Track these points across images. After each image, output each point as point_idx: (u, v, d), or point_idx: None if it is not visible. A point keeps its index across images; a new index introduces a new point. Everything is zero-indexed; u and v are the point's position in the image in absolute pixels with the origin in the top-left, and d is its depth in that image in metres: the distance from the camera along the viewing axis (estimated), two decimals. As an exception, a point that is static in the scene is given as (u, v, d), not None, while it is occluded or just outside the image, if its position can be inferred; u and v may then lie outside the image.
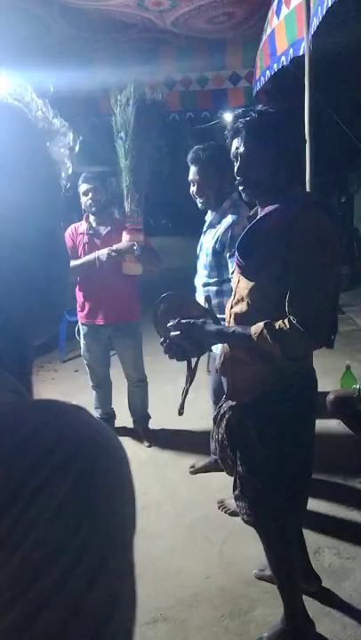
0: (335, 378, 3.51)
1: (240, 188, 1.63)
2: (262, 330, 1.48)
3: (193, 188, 2.40)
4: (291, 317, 1.46)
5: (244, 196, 1.65)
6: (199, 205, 2.43)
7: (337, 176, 8.24)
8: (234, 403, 1.67)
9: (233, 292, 1.70)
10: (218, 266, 2.38)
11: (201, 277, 2.51)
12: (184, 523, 2.57)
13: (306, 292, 1.46)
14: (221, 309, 2.36)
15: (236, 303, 1.65)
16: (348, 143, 6.97)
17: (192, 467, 2.97)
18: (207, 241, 2.42)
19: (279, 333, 1.45)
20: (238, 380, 1.66)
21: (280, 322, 1.47)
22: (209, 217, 2.50)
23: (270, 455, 1.60)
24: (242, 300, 1.62)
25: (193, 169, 2.37)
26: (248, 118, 1.53)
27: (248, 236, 1.60)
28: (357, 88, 7.16)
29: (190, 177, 2.39)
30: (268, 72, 4.20)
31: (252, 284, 1.58)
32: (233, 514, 2.62)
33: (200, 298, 2.51)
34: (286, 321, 1.46)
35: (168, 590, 2.15)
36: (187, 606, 2.06)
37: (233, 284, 1.71)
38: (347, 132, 6.47)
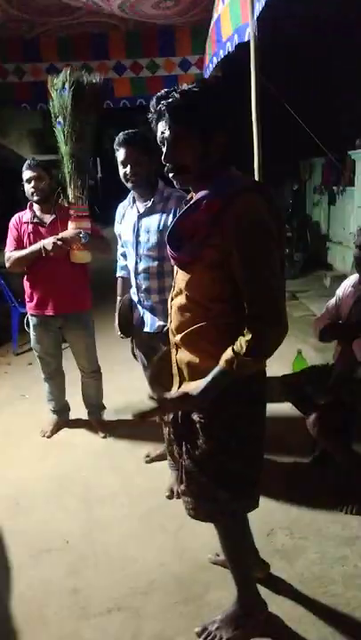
0: (287, 362, 3.56)
1: (170, 175, 1.52)
2: (233, 360, 1.42)
3: (125, 170, 2.35)
4: (250, 323, 1.41)
5: (175, 183, 1.55)
6: (130, 186, 2.38)
7: (288, 164, 8.33)
8: None
9: (173, 284, 1.65)
10: None
11: (145, 262, 2.43)
12: (139, 512, 2.56)
13: (259, 285, 1.41)
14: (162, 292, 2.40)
15: (176, 295, 1.61)
16: (299, 131, 7.05)
17: (147, 456, 2.97)
18: (153, 221, 2.37)
19: (251, 349, 1.40)
20: (187, 374, 1.62)
21: (240, 341, 1.41)
22: (138, 201, 2.46)
23: (216, 449, 1.57)
24: (180, 292, 1.57)
25: (122, 150, 2.33)
26: (170, 100, 1.42)
27: (177, 224, 1.53)
28: (306, 74, 7.23)
29: (120, 158, 2.34)
30: (215, 59, 4.20)
31: (188, 275, 1.52)
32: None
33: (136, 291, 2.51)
34: (245, 339, 1.40)
35: (122, 580, 2.15)
36: (141, 594, 2.06)
37: (173, 275, 1.66)
38: (297, 120, 6.53)
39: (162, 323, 2.45)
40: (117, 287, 2.75)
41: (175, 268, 1.63)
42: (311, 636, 1.83)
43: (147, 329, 2.55)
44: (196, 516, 1.72)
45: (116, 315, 2.71)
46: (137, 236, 2.44)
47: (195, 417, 1.59)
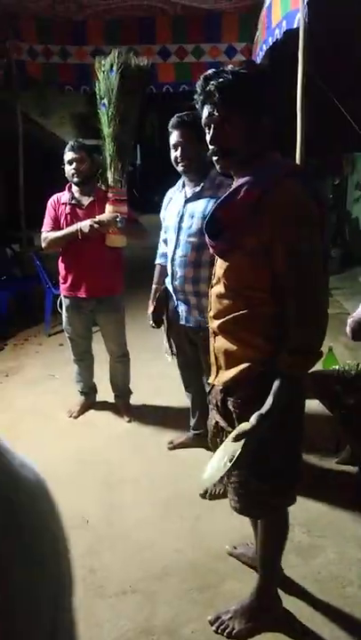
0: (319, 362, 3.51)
1: (214, 158, 1.50)
2: (287, 362, 1.42)
3: (176, 153, 2.33)
4: (291, 321, 1.41)
5: (218, 167, 1.53)
6: (180, 170, 2.36)
7: (331, 158, 8.14)
8: (221, 386, 1.63)
9: (213, 272, 1.64)
10: None
11: (183, 249, 2.39)
12: (159, 498, 2.58)
13: (300, 280, 1.39)
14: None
15: (216, 284, 1.60)
16: (345, 124, 6.88)
17: (170, 442, 2.98)
18: (199, 206, 2.34)
19: (297, 349, 1.40)
20: (223, 362, 1.61)
21: (293, 341, 1.41)
22: (188, 186, 2.42)
23: (260, 445, 1.52)
24: (219, 280, 1.56)
25: (176, 133, 2.32)
26: (221, 79, 1.38)
27: (216, 212, 1.50)
28: (356, 65, 7.03)
29: (173, 141, 2.32)
30: (264, 46, 4.12)
31: (226, 264, 1.51)
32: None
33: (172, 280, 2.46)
34: (290, 337, 1.40)
35: (139, 563, 2.17)
36: (156, 579, 2.08)
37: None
38: (343, 113, 6.37)
39: (198, 317, 2.43)
40: (155, 275, 2.74)
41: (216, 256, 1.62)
42: (325, 636, 1.82)
43: (182, 322, 2.54)
44: (240, 510, 1.72)
45: (150, 302, 2.71)
46: (180, 220, 2.41)
47: (231, 400, 1.59)
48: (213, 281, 1.63)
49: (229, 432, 1.55)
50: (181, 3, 4.56)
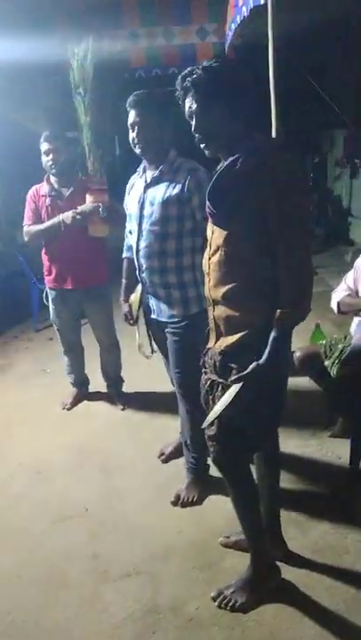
0: (304, 338, 3.55)
1: (201, 145, 1.63)
2: (280, 316, 1.53)
3: (132, 134, 2.22)
4: (283, 274, 1.52)
5: (207, 153, 1.65)
6: (138, 152, 2.25)
7: (309, 136, 8.13)
8: (221, 348, 1.70)
9: (208, 244, 1.72)
10: (180, 216, 2.19)
11: (147, 238, 2.27)
12: (157, 481, 2.62)
13: (292, 239, 1.52)
14: (181, 273, 2.27)
15: (213, 253, 1.67)
16: (321, 102, 6.87)
17: (162, 454, 2.83)
18: (158, 192, 2.23)
19: (289, 299, 1.52)
20: (224, 328, 1.70)
21: (280, 298, 1.52)
22: (148, 170, 2.31)
23: (251, 395, 1.63)
24: (218, 249, 1.64)
25: (132, 112, 2.20)
26: (195, 76, 1.54)
27: (216, 184, 1.60)
28: (330, 41, 7.00)
29: (130, 120, 2.20)
30: (233, 25, 4.07)
31: (226, 232, 1.61)
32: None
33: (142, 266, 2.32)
34: (282, 292, 1.52)
35: (140, 545, 2.21)
36: (159, 560, 2.12)
37: (208, 234, 1.73)
38: (317, 90, 6.36)
39: (168, 310, 2.33)
40: (123, 270, 2.59)
41: (210, 227, 1.70)
42: (324, 603, 1.87)
43: (153, 315, 2.42)
44: (219, 458, 1.80)
45: (121, 300, 2.62)
46: (141, 208, 2.27)
47: (233, 366, 1.65)
48: (210, 252, 1.70)
49: (225, 385, 1.66)
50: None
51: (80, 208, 2.91)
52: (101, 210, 2.88)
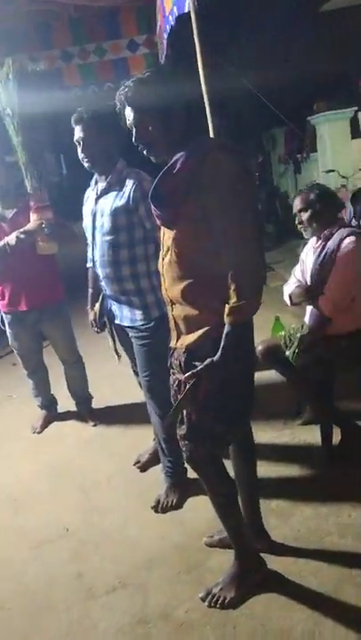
0: (266, 333, 3.59)
1: (145, 152, 1.69)
2: (231, 311, 1.54)
3: (79, 149, 2.28)
4: (231, 269, 1.52)
5: (153, 158, 1.71)
6: (86, 166, 2.31)
7: (251, 137, 8.30)
8: (183, 348, 1.71)
9: (161, 245, 1.74)
10: (129, 226, 2.25)
11: (101, 248, 2.32)
12: (136, 492, 2.59)
13: (234, 233, 1.53)
14: (137, 280, 2.30)
15: (165, 254, 1.70)
16: (257, 102, 7.02)
17: (137, 462, 2.82)
18: (107, 203, 2.29)
19: (239, 294, 1.52)
20: (184, 327, 1.72)
21: (229, 293, 1.53)
22: (99, 182, 2.37)
23: (216, 389, 1.64)
24: (168, 250, 1.66)
25: (77, 128, 2.26)
26: (127, 89, 1.63)
27: (158, 185, 1.63)
28: (257, 41, 7.18)
29: (75, 137, 2.27)
30: (165, 34, 4.14)
31: (173, 232, 1.63)
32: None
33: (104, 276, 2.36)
34: (231, 287, 1.52)
35: (125, 558, 2.18)
36: (144, 569, 2.10)
37: (160, 236, 1.75)
38: (253, 92, 6.50)
39: (130, 315, 2.36)
40: (88, 279, 2.63)
41: (161, 229, 1.72)
42: (313, 587, 1.88)
43: (116, 321, 2.46)
44: (193, 457, 1.80)
45: (88, 308, 2.64)
46: (94, 219, 2.34)
47: (197, 364, 1.65)
48: (163, 252, 1.72)
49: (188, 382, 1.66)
50: (74, 3, 4.53)
51: (24, 228, 2.89)
52: (45, 227, 2.86)
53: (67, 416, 3.49)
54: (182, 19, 3.19)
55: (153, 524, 2.34)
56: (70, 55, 5.13)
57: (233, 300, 1.53)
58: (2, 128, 2.84)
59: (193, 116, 1.72)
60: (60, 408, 3.52)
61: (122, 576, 2.08)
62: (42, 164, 2.83)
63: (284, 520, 2.21)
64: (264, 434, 2.78)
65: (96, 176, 2.40)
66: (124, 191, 2.25)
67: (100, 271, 2.37)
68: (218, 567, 2.02)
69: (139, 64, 5.18)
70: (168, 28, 3.75)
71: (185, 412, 1.72)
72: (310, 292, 2.52)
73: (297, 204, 2.54)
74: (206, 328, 1.65)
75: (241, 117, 7.88)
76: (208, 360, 1.58)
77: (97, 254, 2.35)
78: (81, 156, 2.29)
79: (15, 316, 3.15)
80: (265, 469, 2.51)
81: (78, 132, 2.26)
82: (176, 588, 1.98)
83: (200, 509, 2.34)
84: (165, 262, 1.70)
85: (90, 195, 2.44)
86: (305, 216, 2.51)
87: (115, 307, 2.44)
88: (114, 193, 2.28)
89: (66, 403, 3.50)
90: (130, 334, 2.42)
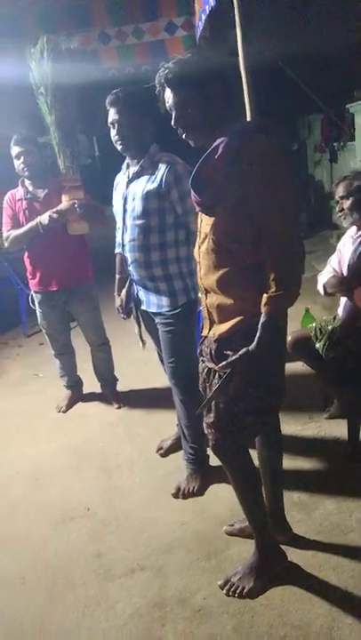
0: (296, 324, 3.54)
1: (183, 135, 1.65)
2: (269, 301, 1.51)
3: (113, 132, 2.25)
4: (271, 259, 1.50)
5: (192, 142, 1.67)
6: (119, 149, 2.28)
7: (287, 123, 8.14)
8: (215, 337, 1.69)
9: (198, 232, 1.72)
10: (160, 210, 2.22)
11: (131, 233, 2.30)
12: (157, 476, 2.59)
13: (275, 222, 1.50)
14: (166, 265, 2.29)
15: (202, 241, 1.67)
16: (296, 88, 6.87)
17: (160, 448, 2.81)
18: (139, 187, 2.26)
19: (279, 284, 1.49)
20: (217, 316, 1.69)
21: (269, 282, 1.50)
22: (131, 166, 2.33)
23: (247, 381, 1.63)
24: (206, 237, 1.64)
25: (111, 110, 2.23)
26: (168, 70, 1.59)
27: (199, 170, 1.59)
28: (302, 30, 7.00)
29: (110, 119, 2.24)
30: (203, 16, 4.07)
31: (212, 219, 1.60)
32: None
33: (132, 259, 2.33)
34: (271, 277, 1.49)
35: (144, 541, 2.18)
36: (163, 554, 2.10)
37: (198, 223, 1.73)
38: (293, 78, 6.37)
39: (157, 302, 2.34)
40: (116, 264, 2.61)
41: (199, 215, 1.69)
42: (332, 582, 1.86)
43: (143, 307, 2.43)
44: (218, 446, 1.78)
45: (115, 294, 2.62)
46: (125, 203, 2.31)
47: (228, 353, 1.64)
48: (199, 240, 1.70)
49: (220, 372, 1.65)
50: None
51: (56, 208, 2.88)
52: (77, 206, 2.85)
53: (92, 397, 3.51)
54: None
55: (173, 510, 2.34)
56: (108, 36, 5.10)
57: (272, 289, 1.50)
58: (35, 108, 2.84)
59: (233, 98, 1.68)
60: (86, 389, 3.54)
61: (140, 559, 2.09)
62: (75, 143, 2.82)
63: (307, 513, 2.18)
64: (289, 426, 2.75)
65: (128, 159, 2.37)
66: (157, 175, 2.22)
67: (128, 256, 2.35)
68: (237, 556, 2.01)
69: (177, 46, 5.11)
70: (208, 8, 3.68)
71: (215, 403, 1.71)
72: (346, 284, 2.46)
73: (339, 190, 2.47)
74: (240, 318, 1.63)
75: (277, 102, 7.73)
76: (243, 350, 1.56)
77: (126, 238, 2.33)
78: (114, 138, 2.26)
79: (45, 296, 3.16)
80: (289, 462, 2.47)
81: (113, 115, 2.23)
82: (195, 574, 1.98)
83: (221, 497, 2.33)
84: (202, 250, 1.68)
85: (121, 179, 2.42)
86: (346, 204, 2.44)
87: (141, 292, 2.42)
88: (146, 177, 2.25)
89: (91, 384, 3.52)
90: (156, 320, 2.41)
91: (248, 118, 2.92)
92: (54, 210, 2.87)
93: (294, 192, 1.58)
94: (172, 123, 1.64)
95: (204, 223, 1.65)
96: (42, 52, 2.64)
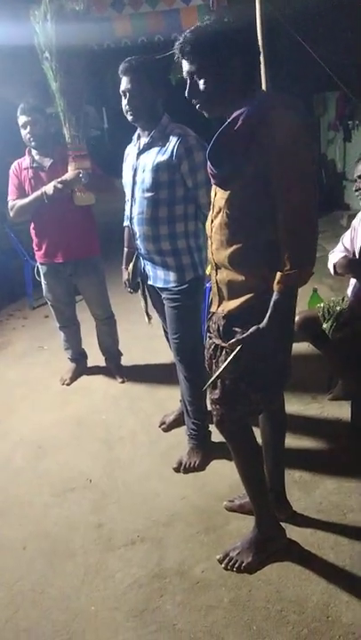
0: (303, 305, 3.52)
1: (198, 106, 1.59)
2: (282, 278, 1.49)
3: (124, 101, 2.18)
4: (286, 236, 1.47)
5: (206, 114, 1.61)
6: (130, 119, 2.21)
7: (301, 99, 7.96)
8: (224, 314, 1.68)
9: (211, 206, 1.68)
10: (170, 183, 2.17)
11: (139, 205, 2.26)
12: (159, 450, 2.61)
13: (294, 200, 1.46)
14: (174, 240, 2.26)
15: (216, 216, 1.64)
16: (312, 63, 6.69)
17: (163, 423, 2.82)
18: (149, 159, 2.20)
19: (293, 262, 1.48)
20: (226, 292, 1.68)
21: (282, 260, 1.49)
22: (142, 137, 2.27)
23: (255, 358, 1.62)
24: (220, 211, 1.61)
25: (124, 79, 2.16)
26: (185, 39, 1.54)
27: (217, 142, 1.55)
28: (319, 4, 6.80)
29: (122, 87, 2.16)
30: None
31: (227, 193, 1.56)
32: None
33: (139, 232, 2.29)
34: (285, 255, 1.48)
35: (145, 513, 2.21)
36: (163, 526, 2.12)
37: (211, 196, 1.69)
38: (310, 53, 6.19)
39: (164, 276, 2.31)
40: (124, 238, 2.56)
41: (213, 188, 1.65)
42: (330, 560, 1.88)
43: (150, 282, 2.41)
44: (223, 422, 1.78)
45: (123, 268, 2.59)
46: (134, 175, 2.26)
47: (236, 330, 1.63)
48: (213, 214, 1.66)
49: (228, 349, 1.64)
50: None
51: (61, 177, 2.83)
52: (82, 176, 2.80)
53: (96, 371, 3.51)
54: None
55: (174, 484, 2.36)
56: (122, 4, 4.95)
57: (286, 267, 1.48)
58: (43, 77, 2.76)
59: (253, 70, 1.63)
60: (90, 363, 3.55)
61: (141, 530, 2.12)
62: (81, 111, 2.74)
63: (307, 492, 2.20)
64: (292, 405, 2.74)
65: (139, 131, 2.30)
66: (168, 147, 2.16)
67: (136, 229, 2.31)
68: (237, 531, 2.03)
69: (192, 16, 4.96)
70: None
71: (221, 379, 1.70)
72: (358, 265, 2.42)
73: (359, 169, 2.41)
74: (250, 295, 1.61)
75: (292, 78, 7.55)
76: (254, 328, 1.55)
77: (135, 211, 2.29)
78: (125, 108, 2.19)
79: (51, 268, 3.14)
80: (290, 441, 2.46)
81: (125, 83, 2.16)
82: (194, 547, 2.01)
83: (222, 473, 2.35)
84: (215, 224, 1.64)
85: (131, 151, 2.36)
86: None
87: (148, 267, 2.39)
88: (157, 148, 2.19)
89: (96, 358, 3.52)
90: (162, 296, 2.39)
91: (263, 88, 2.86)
92: (59, 180, 2.82)
93: (312, 168, 1.54)
94: (186, 93, 1.58)
95: (219, 197, 1.62)
96: (45, 14, 2.54)
